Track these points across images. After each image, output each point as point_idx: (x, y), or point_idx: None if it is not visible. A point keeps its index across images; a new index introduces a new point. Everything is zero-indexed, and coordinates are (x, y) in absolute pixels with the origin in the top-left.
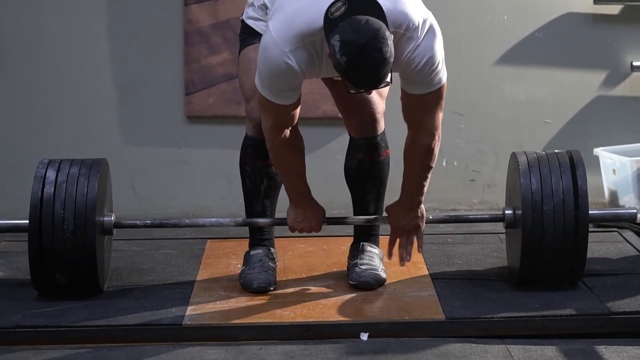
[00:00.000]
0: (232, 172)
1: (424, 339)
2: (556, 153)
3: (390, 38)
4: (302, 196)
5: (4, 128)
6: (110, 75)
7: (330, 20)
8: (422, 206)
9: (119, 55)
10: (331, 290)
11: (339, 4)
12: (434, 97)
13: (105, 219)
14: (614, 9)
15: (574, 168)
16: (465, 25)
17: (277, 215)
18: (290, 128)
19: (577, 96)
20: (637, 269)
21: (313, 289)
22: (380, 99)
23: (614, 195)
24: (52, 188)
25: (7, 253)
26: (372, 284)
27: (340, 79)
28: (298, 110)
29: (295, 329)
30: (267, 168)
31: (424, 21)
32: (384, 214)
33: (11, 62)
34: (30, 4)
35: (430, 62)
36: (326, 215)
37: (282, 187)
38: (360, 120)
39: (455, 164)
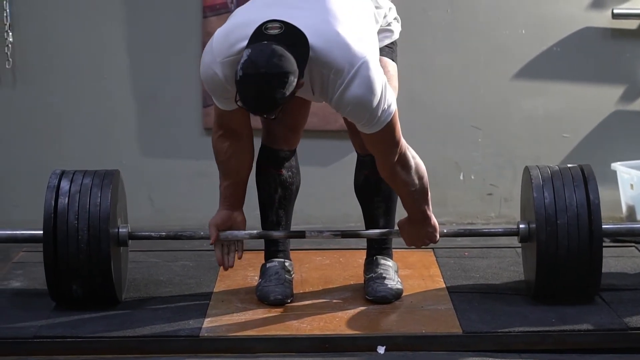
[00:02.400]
0: (248, 184)
1: (440, 352)
2: (569, 167)
3: (291, 84)
4: (224, 199)
5: (22, 139)
6: (129, 87)
7: (259, 33)
8: (433, 219)
9: (137, 67)
10: (348, 303)
11: (277, 24)
12: (381, 136)
13: (120, 230)
14: (633, 24)
15: (587, 182)
16: (484, 39)
17: (292, 227)
18: (237, 138)
19: (595, 110)
20: None
21: (330, 301)
22: None
23: (631, 210)
24: (66, 199)
25: (25, 263)
26: (389, 298)
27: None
28: (244, 123)
29: (312, 341)
30: (280, 177)
31: (354, 64)
32: (396, 227)
33: (29, 73)
34: (48, 15)
35: (360, 107)
36: (342, 229)
37: (298, 197)
38: None
39: (472, 177)
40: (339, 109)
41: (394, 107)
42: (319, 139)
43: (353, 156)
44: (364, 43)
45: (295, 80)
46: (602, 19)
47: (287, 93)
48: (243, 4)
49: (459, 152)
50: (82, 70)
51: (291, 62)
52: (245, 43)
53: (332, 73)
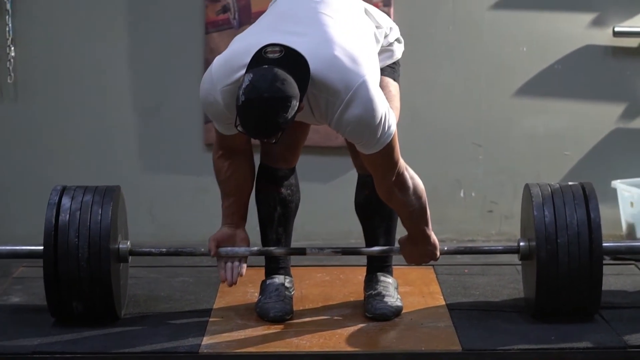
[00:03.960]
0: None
1: None
2: (570, 185)
3: (293, 108)
4: (225, 218)
5: (23, 154)
6: (130, 102)
7: (259, 57)
8: (433, 237)
9: (139, 83)
10: (348, 320)
11: (277, 48)
12: (380, 156)
13: (120, 246)
14: (634, 42)
15: (587, 200)
16: (485, 57)
17: (293, 243)
18: (237, 157)
19: (596, 128)
20: None
21: (330, 318)
22: None
23: (631, 228)
24: (67, 215)
25: (24, 279)
26: (389, 315)
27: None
28: (244, 142)
29: (312, 358)
30: (279, 195)
31: (351, 86)
32: (397, 244)
33: (31, 88)
34: (50, 30)
35: (360, 126)
36: (343, 246)
37: (298, 213)
38: None
39: (473, 194)
40: (339, 129)
41: (393, 129)
42: (320, 156)
43: (354, 173)
44: (361, 65)
45: (297, 104)
46: (603, 37)
47: (289, 117)
48: (245, 19)
49: (460, 169)
50: (83, 85)
51: (293, 86)
52: (244, 71)
53: (330, 95)
